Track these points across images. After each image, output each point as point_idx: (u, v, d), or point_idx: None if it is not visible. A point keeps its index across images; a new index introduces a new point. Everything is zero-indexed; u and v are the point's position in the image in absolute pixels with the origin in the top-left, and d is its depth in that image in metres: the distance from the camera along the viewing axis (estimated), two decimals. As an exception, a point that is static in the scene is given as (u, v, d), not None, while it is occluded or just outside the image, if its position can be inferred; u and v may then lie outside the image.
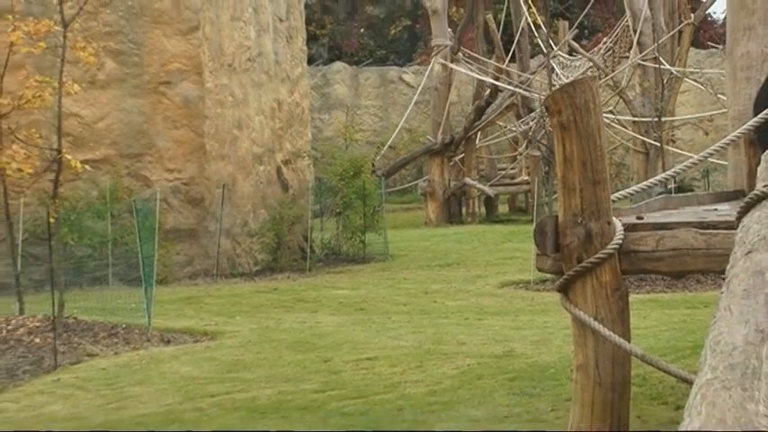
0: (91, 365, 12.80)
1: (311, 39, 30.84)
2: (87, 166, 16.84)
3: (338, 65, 41.92)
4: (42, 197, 15.93)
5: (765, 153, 7.09)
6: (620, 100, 24.35)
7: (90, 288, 17.71)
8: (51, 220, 15.15)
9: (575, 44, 30.91)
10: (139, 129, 20.44)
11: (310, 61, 29.83)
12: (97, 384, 11.81)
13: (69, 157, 15.60)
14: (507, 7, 33.31)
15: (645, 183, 9.81)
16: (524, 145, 32.82)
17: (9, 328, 14.68)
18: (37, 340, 13.92)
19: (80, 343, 13.82)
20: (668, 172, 11.27)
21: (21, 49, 15.36)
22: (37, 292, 15.90)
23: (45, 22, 15.56)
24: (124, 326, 14.77)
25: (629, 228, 7.40)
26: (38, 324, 14.59)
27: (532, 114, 30.44)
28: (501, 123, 34.51)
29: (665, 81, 22.68)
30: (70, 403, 11.04)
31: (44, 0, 16.36)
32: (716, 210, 8.38)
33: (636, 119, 23.22)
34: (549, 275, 8.96)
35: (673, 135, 24.88)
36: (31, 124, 16.44)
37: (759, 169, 6.92)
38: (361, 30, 45.11)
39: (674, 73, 23.33)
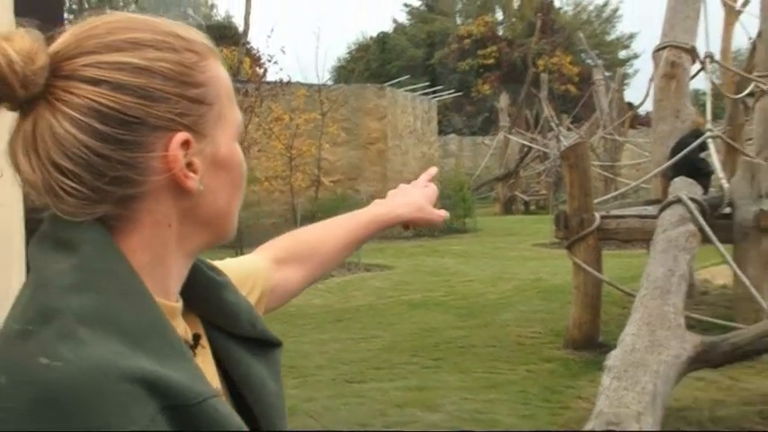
0: (332, 280, 13.02)
1: (439, 122, 30.58)
2: (331, 183, 17.17)
3: (452, 135, 41.70)
4: (310, 199, 16.25)
5: (672, 180, 6.92)
6: (593, 153, 23.69)
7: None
8: (314, 210, 15.48)
9: (571, 126, 30.31)
10: (356, 166, 20.67)
11: (439, 133, 29.74)
12: (335, 290, 12.03)
13: (323, 179, 15.92)
14: (538, 108, 32.80)
15: (606, 196, 9.63)
16: (543, 175, 32.16)
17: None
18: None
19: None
20: (618, 191, 10.98)
21: (301, 126, 15.71)
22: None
23: (313, 114, 15.91)
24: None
25: (602, 217, 7.30)
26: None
27: (548, 161, 29.98)
28: (533, 165, 33.86)
29: (616, 145, 22.27)
30: (324, 299, 11.28)
31: (313, 101, 16.58)
32: (646, 208, 8.20)
33: (601, 163, 22.64)
34: (559, 240, 8.85)
35: (619, 172, 24.07)
36: (306, 164, 16.74)
37: (669, 189, 6.76)
38: (464, 118, 44.77)
39: (620, 140, 22.73)
